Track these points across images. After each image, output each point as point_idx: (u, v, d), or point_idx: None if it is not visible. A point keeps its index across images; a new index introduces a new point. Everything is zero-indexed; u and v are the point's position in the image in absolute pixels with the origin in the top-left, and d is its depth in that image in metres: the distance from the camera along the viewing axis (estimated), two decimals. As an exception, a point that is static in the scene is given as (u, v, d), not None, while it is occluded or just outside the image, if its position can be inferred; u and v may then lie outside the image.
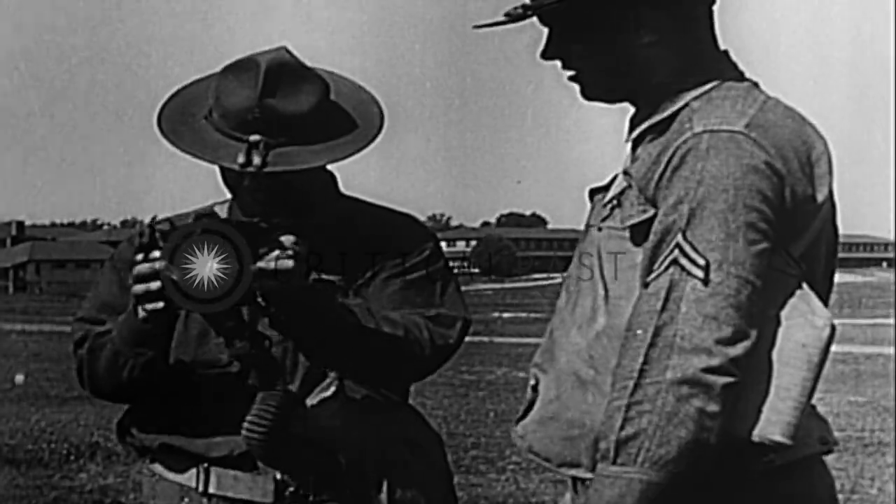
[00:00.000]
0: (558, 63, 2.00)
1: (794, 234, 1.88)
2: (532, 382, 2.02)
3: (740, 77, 1.97)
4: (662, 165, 1.88)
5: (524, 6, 1.95)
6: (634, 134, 1.99)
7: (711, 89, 1.93)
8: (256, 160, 2.24)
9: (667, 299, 1.82)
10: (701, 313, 1.79)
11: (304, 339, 2.29)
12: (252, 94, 2.26)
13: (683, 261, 1.83)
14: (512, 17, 1.96)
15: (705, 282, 1.81)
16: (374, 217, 2.46)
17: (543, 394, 1.98)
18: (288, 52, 2.32)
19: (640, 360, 1.81)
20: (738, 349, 1.78)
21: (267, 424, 2.22)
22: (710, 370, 1.77)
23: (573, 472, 1.94)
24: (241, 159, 2.24)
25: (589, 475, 1.89)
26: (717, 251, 1.81)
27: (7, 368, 15.74)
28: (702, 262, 1.81)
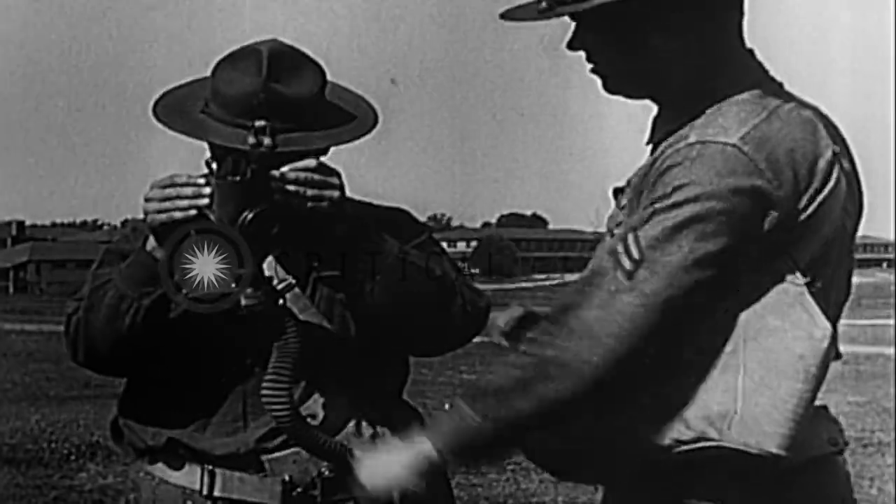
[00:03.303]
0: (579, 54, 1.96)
1: (794, 243, 1.85)
2: None
3: (763, 78, 1.94)
4: (653, 173, 1.86)
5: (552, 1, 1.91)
6: (655, 139, 1.96)
7: (725, 98, 1.89)
8: (267, 141, 2.23)
9: (589, 283, 1.83)
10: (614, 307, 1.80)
11: (354, 278, 2.29)
12: (256, 80, 2.25)
13: (621, 252, 1.82)
14: (542, 12, 1.91)
15: (629, 275, 1.81)
16: (369, 213, 2.45)
17: None
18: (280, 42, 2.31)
19: None
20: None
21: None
22: None
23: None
24: (251, 140, 2.23)
25: None
26: (657, 251, 1.80)
27: (7, 368, 15.74)
28: (637, 255, 1.80)
